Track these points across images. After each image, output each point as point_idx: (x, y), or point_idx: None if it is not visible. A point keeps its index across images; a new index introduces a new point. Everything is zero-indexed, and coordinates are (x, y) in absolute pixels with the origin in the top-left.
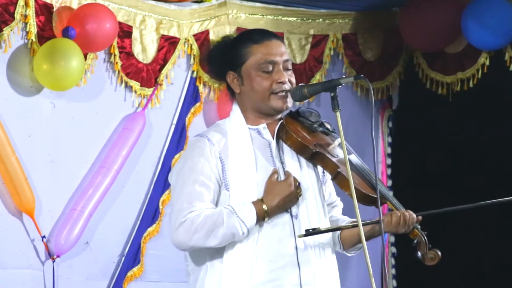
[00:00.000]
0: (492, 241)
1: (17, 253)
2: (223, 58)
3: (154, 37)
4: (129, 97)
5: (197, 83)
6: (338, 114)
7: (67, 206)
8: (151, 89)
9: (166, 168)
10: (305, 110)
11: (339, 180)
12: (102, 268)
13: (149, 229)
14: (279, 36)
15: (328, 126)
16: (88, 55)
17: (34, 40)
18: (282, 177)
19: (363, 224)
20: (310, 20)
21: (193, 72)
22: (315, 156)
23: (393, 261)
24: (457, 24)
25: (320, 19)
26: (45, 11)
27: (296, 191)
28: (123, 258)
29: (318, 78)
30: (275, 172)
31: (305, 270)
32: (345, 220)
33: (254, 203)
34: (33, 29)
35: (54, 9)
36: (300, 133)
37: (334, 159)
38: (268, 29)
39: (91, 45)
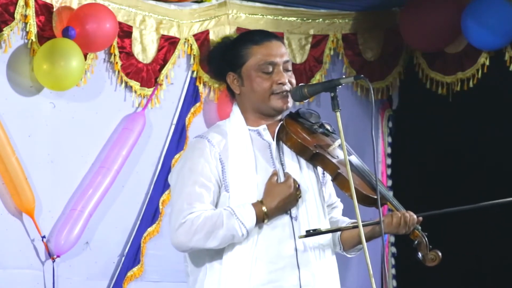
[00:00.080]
0: (492, 241)
1: (17, 253)
2: (223, 59)
3: (154, 37)
4: (129, 97)
5: (197, 83)
6: (338, 114)
7: (67, 206)
8: (151, 89)
9: (166, 168)
10: (305, 111)
11: (339, 181)
12: (102, 268)
13: (149, 229)
14: (279, 37)
15: (328, 127)
16: (88, 55)
17: (34, 40)
18: (282, 178)
19: (364, 225)
20: (310, 20)
21: (193, 72)
22: (315, 157)
23: (393, 261)
24: (457, 24)
25: (320, 19)
26: (45, 11)
27: (296, 193)
28: (123, 258)
29: (318, 78)
30: (275, 173)
31: (304, 272)
32: (345, 221)
33: (253, 204)
34: (33, 29)
35: (54, 9)
36: (300, 134)
37: (334, 160)
38: (268, 29)
39: (91, 45)
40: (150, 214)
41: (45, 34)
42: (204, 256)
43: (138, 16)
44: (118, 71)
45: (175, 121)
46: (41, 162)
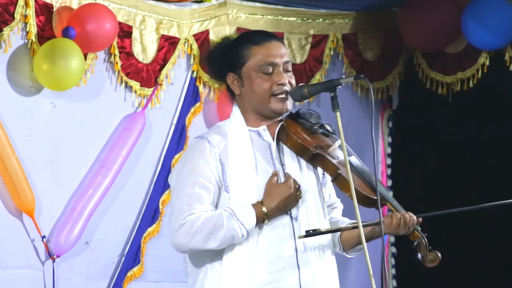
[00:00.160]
0: (493, 241)
1: (17, 253)
2: (223, 59)
3: (154, 37)
4: (129, 97)
5: (197, 83)
6: (338, 114)
7: (67, 206)
8: (151, 89)
9: (166, 168)
10: (305, 111)
11: (339, 181)
12: (102, 268)
13: (149, 229)
14: (279, 38)
15: (328, 128)
16: (88, 55)
17: (34, 40)
18: (282, 179)
19: (363, 226)
20: (310, 20)
21: (193, 72)
22: (315, 157)
23: (393, 261)
24: (457, 24)
25: (320, 19)
26: (45, 11)
27: (296, 193)
28: (123, 258)
29: (318, 78)
30: (275, 174)
31: (304, 272)
32: (345, 222)
33: (253, 205)
34: (33, 29)
35: (54, 9)
36: (300, 135)
37: (334, 161)
38: (268, 29)
39: (91, 45)
40: (150, 214)
41: (45, 34)
42: (204, 256)
43: (138, 16)
44: (118, 71)
45: (175, 121)
46: (41, 162)
